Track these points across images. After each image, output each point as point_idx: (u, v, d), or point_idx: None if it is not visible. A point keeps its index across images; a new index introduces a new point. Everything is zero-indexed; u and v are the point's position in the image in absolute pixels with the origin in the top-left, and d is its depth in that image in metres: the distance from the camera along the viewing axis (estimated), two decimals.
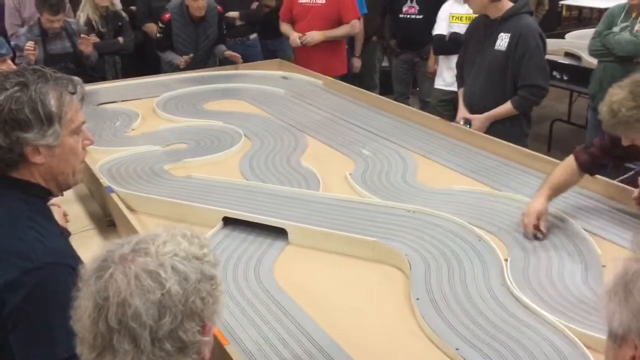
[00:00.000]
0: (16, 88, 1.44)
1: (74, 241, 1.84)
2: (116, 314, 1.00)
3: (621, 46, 4.11)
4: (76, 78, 1.56)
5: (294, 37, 4.82)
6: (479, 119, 3.46)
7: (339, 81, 4.38)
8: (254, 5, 5.51)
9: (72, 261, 1.45)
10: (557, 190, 2.39)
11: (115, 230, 2.53)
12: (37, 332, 1.37)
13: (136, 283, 1.01)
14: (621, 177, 3.25)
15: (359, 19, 4.99)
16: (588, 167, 2.39)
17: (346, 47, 5.24)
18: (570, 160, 2.41)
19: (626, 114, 2.03)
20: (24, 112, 1.43)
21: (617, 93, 2.08)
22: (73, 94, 1.51)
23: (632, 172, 2.38)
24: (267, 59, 5.15)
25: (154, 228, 1.13)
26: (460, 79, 3.71)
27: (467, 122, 3.49)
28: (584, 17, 10.42)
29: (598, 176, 2.68)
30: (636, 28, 4.09)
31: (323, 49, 4.81)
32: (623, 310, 1.00)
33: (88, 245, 2.32)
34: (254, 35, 5.58)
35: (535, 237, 2.27)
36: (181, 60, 4.68)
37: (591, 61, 4.77)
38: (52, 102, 1.46)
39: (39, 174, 1.51)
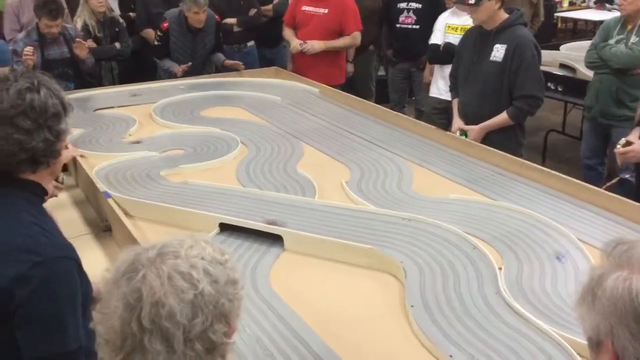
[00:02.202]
0: (44, 89, 1.53)
1: None
2: (149, 314, 1.01)
3: (617, 58, 4.14)
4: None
5: (295, 44, 4.84)
6: (474, 130, 3.47)
7: (335, 89, 4.39)
8: (252, 12, 5.53)
9: (76, 255, 1.50)
10: None
11: (110, 236, 2.54)
12: (47, 324, 1.40)
13: (170, 283, 1.02)
14: (607, 185, 3.26)
15: (360, 31, 4.99)
16: None
17: (345, 57, 5.24)
18: None
19: None
20: (58, 105, 1.54)
21: None
22: None
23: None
24: (264, 67, 5.17)
25: (176, 235, 1.15)
26: (454, 89, 3.73)
27: (463, 132, 3.51)
28: (579, 29, 10.48)
29: (590, 186, 2.71)
30: (631, 40, 4.13)
31: (322, 58, 4.82)
32: (591, 314, 1.02)
33: (84, 250, 2.31)
34: (251, 43, 5.59)
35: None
36: (179, 69, 4.69)
37: (586, 73, 4.81)
38: (63, 95, 1.58)
39: (50, 170, 1.59)
